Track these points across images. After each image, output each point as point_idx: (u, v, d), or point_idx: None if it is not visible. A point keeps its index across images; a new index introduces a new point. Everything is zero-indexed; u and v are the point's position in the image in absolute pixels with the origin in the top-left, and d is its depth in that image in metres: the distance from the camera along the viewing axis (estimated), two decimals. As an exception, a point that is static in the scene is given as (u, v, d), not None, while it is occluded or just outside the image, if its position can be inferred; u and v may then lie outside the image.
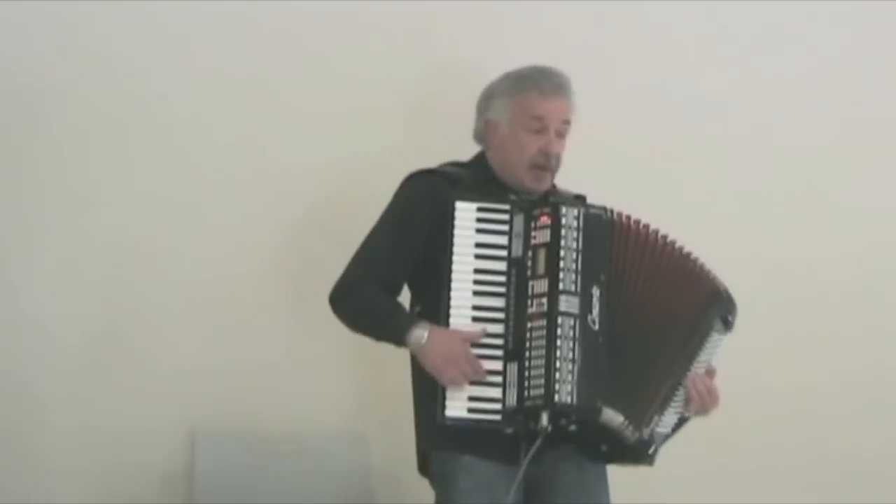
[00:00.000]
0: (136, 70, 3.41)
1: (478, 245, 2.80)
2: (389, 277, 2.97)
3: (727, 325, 2.93)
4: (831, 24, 3.80)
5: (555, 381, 2.71)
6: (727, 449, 3.75)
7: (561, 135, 2.95)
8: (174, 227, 3.46)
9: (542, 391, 2.72)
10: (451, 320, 2.80)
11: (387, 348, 3.45)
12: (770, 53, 3.78)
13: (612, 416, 2.77)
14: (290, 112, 3.49)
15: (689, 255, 2.90)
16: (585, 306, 2.76)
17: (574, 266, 2.76)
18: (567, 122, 2.96)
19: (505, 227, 2.80)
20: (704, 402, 2.90)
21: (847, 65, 3.81)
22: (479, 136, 3.04)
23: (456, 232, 2.80)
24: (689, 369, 2.87)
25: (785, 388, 3.78)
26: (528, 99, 2.94)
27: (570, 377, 2.71)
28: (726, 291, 2.92)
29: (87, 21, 3.38)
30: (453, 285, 2.80)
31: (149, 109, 3.42)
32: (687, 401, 2.88)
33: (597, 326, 2.76)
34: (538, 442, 2.73)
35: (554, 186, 3.01)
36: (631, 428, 2.79)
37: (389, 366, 3.51)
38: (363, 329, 2.98)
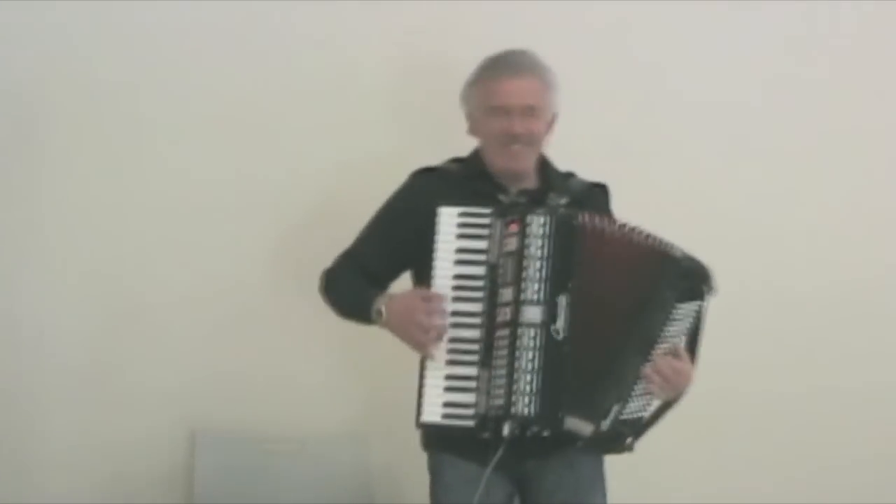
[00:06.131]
0: (131, 75, 3.40)
1: (458, 250, 2.81)
2: (368, 268, 2.99)
3: (694, 292, 2.77)
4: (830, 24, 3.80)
5: (512, 393, 2.74)
6: (725, 452, 3.77)
7: (529, 114, 2.92)
8: (173, 230, 3.45)
9: (502, 401, 2.75)
10: None
11: (385, 349, 3.47)
12: (767, 52, 3.78)
13: (578, 424, 2.78)
14: (284, 116, 3.49)
15: (652, 237, 2.80)
16: (550, 315, 2.75)
17: (539, 275, 2.76)
18: (530, 107, 2.92)
19: (485, 232, 2.80)
20: (670, 384, 2.78)
21: (844, 65, 3.81)
22: (469, 130, 3.05)
23: (438, 237, 2.81)
24: (648, 352, 2.77)
25: (782, 393, 3.78)
26: (488, 83, 2.95)
27: (528, 388, 2.74)
28: (684, 256, 2.79)
29: (86, 26, 3.37)
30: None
31: (146, 115, 3.41)
32: (649, 385, 2.78)
33: (561, 335, 2.75)
34: (500, 451, 2.76)
35: (547, 165, 3.01)
36: (591, 427, 2.78)
37: (390, 366, 3.52)
38: (343, 313, 3.01)
